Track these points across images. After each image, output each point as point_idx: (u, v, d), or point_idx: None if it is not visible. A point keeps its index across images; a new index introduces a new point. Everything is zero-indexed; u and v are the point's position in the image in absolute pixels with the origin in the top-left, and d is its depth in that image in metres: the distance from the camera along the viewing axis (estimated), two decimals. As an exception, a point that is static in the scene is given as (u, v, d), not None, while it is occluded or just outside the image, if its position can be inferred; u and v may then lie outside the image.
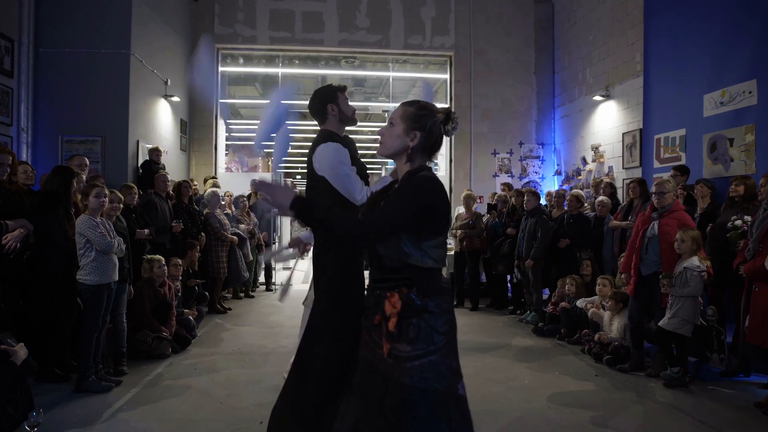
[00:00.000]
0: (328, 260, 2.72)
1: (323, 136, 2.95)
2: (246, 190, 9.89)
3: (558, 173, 10.95)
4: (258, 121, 3.11)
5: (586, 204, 7.63)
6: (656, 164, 7.58)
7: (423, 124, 2.01)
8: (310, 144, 3.00)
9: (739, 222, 4.81)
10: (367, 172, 3.11)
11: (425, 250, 1.96)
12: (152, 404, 4.10)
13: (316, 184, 2.88)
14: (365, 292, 2.09)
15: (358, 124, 3.19)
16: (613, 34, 8.97)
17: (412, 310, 1.91)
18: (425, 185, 1.96)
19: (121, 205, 4.92)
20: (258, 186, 1.91)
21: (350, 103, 3.10)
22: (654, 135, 7.66)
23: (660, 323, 4.66)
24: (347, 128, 3.14)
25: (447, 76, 11.30)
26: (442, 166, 11.96)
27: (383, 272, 2.00)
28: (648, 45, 7.89)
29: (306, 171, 3.06)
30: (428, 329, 1.91)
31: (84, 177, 5.46)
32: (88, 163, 5.91)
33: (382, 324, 1.93)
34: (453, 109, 2.09)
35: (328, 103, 3.01)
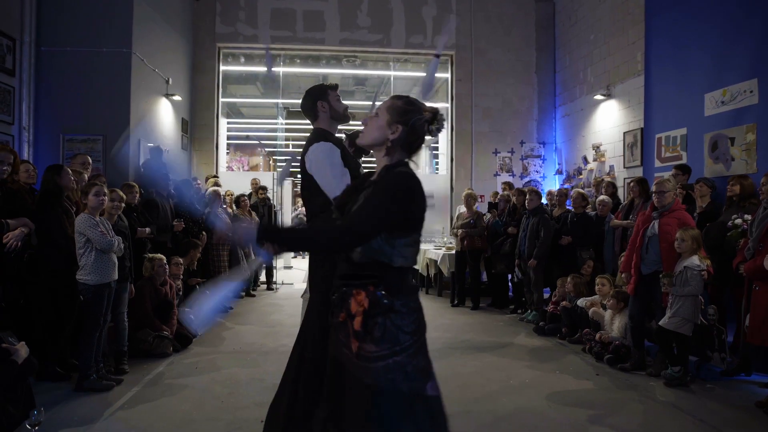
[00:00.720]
0: (324, 259, 2.72)
1: (316, 135, 2.93)
2: (247, 189, 9.90)
3: (559, 172, 10.95)
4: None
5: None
6: (657, 163, 7.57)
7: (407, 119, 1.97)
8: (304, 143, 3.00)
9: (739, 221, 4.81)
10: (362, 171, 3.10)
11: (397, 248, 1.92)
12: (153, 403, 4.11)
13: (309, 183, 2.85)
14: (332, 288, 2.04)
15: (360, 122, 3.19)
16: (614, 33, 8.96)
17: (379, 309, 1.87)
18: (404, 182, 1.92)
19: (123, 204, 4.92)
20: (221, 236, 1.98)
21: (343, 102, 3.10)
22: (655, 134, 7.65)
23: (660, 322, 4.66)
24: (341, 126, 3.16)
25: (448, 75, 11.29)
26: (443, 165, 11.97)
27: (351, 268, 1.95)
28: (649, 44, 7.88)
29: (300, 170, 3.04)
30: (394, 329, 1.86)
31: (86, 176, 5.46)
32: (90, 161, 5.91)
33: (348, 322, 1.89)
34: (441, 112, 2.05)
35: (319, 101, 3.01)
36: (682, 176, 6.19)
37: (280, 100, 11.37)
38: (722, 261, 4.88)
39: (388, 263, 1.91)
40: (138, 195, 6.04)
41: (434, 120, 2.00)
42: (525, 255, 7.11)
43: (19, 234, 4.23)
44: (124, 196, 5.00)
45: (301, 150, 2.96)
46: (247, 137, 14.36)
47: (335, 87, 3.12)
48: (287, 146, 14.71)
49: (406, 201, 1.90)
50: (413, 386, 1.87)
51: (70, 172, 4.85)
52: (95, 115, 7.34)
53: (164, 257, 5.71)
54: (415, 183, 1.93)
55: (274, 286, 9.68)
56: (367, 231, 1.86)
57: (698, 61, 6.86)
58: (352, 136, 3.61)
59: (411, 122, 1.97)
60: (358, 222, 1.88)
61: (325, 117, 3.01)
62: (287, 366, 2.73)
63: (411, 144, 2.02)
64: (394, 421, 1.82)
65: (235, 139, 13.12)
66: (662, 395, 4.39)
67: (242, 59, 11.20)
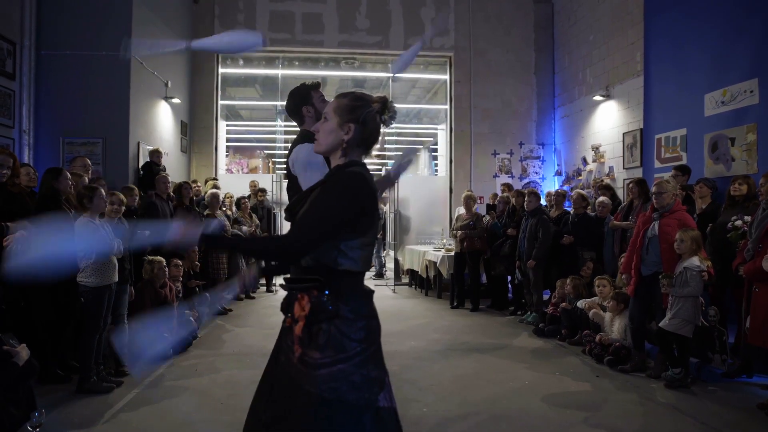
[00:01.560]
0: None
1: (301, 137, 2.93)
2: (247, 191, 9.90)
3: (558, 173, 10.95)
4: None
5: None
6: (657, 164, 7.58)
7: (357, 116, 1.89)
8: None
9: (739, 222, 4.81)
10: None
11: (343, 251, 1.82)
12: (153, 405, 4.11)
13: (293, 184, 2.85)
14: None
15: None
16: (613, 33, 8.97)
17: (323, 315, 1.79)
18: (353, 183, 1.82)
19: (123, 207, 4.92)
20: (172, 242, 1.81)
21: (328, 99, 3.10)
22: (654, 135, 7.66)
23: (661, 324, 4.66)
24: None
25: (447, 76, 11.29)
26: (442, 166, 11.97)
27: (297, 271, 1.89)
28: (648, 44, 7.89)
29: (286, 171, 3.03)
30: (339, 335, 1.77)
31: (86, 179, 5.46)
32: (90, 164, 5.92)
33: (292, 327, 1.83)
34: (390, 98, 1.97)
35: (303, 107, 2.99)
36: (681, 177, 6.19)
37: (279, 103, 11.37)
38: (723, 262, 4.88)
39: (333, 267, 1.82)
40: (138, 198, 6.04)
41: (385, 109, 1.92)
42: (524, 256, 7.11)
43: (19, 237, 4.23)
44: (125, 199, 5.00)
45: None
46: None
47: (317, 86, 3.09)
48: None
49: (353, 201, 1.80)
50: (361, 396, 1.76)
51: (69, 175, 4.85)
52: (95, 118, 7.35)
53: (164, 260, 5.71)
54: (362, 182, 1.83)
55: (273, 288, 9.67)
56: (315, 238, 1.77)
57: (698, 61, 6.87)
58: None
59: (361, 118, 1.89)
60: (306, 229, 1.79)
61: (310, 120, 2.99)
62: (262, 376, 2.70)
63: (366, 140, 1.94)
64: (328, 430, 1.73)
65: (234, 142, 13.11)
66: (663, 397, 4.39)
67: (241, 62, 11.22)
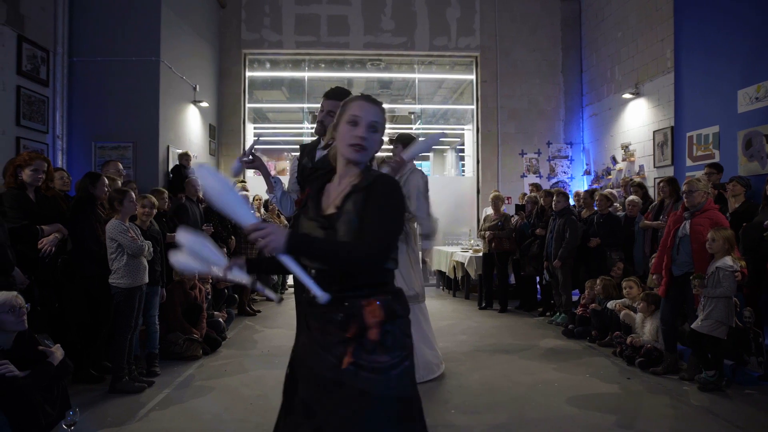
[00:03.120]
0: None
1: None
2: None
3: (587, 173, 10.80)
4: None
5: (616, 204, 7.51)
6: (689, 162, 7.42)
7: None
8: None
9: (774, 221, 4.68)
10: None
11: (393, 252, 1.87)
12: (183, 404, 4.17)
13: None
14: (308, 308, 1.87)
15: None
16: (642, 30, 8.82)
17: (391, 317, 1.79)
18: (399, 188, 1.85)
19: (155, 210, 5.02)
20: (249, 233, 1.67)
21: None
22: (686, 132, 7.50)
23: (693, 325, 4.55)
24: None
25: (473, 77, 11.23)
26: (469, 167, 11.90)
27: (352, 279, 1.79)
28: (678, 40, 7.73)
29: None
30: (401, 334, 1.81)
31: (119, 183, 5.57)
32: (122, 168, 6.05)
33: (355, 337, 1.75)
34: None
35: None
36: (716, 175, 6.03)
37: (305, 105, 11.45)
38: (759, 262, 4.76)
39: (387, 268, 1.86)
40: (168, 200, 6.14)
41: None
42: (552, 257, 7.03)
43: (53, 239, 4.34)
44: (156, 202, 5.09)
45: None
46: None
47: (327, 95, 3.29)
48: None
49: (404, 206, 1.88)
50: (416, 389, 1.84)
51: (107, 181, 4.94)
52: (125, 122, 7.50)
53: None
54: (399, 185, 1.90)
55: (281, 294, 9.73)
56: (387, 246, 1.78)
57: (730, 56, 6.70)
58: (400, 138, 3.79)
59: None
60: (380, 239, 1.76)
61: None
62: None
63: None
64: (407, 427, 1.76)
65: (261, 144, 13.24)
66: (696, 400, 4.28)
67: (268, 65, 11.33)
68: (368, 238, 1.74)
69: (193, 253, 1.82)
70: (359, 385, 1.72)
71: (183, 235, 1.83)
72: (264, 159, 3.40)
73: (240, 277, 1.87)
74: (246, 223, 1.69)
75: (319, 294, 1.70)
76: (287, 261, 1.68)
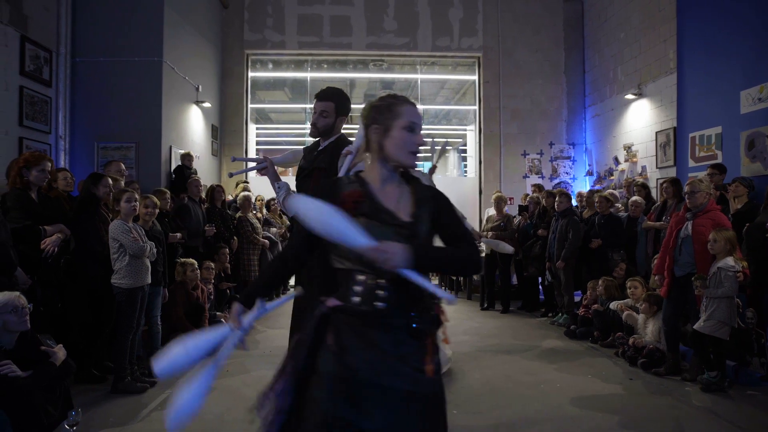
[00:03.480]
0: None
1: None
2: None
3: (590, 174, 10.79)
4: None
5: (618, 204, 7.50)
6: (691, 163, 7.41)
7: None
8: None
9: (776, 222, 4.67)
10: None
11: None
12: (186, 405, 4.17)
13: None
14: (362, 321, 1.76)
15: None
16: (644, 31, 8.80)
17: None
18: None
19: (157, 210, 5.02)
20: (369, 255, 1.61)
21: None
22: (689, 133, 7.49)
23: (695, 326, 4.54)
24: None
25: (475, 77, 11.23)
26: (471, 167, 11.90)
27: (403, 284, 1.70)
28: (681, 41, 7.72)
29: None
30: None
31: (122, 183, 5.58)
32: (125, 169, 6.05)
33: (428, 343, 1.77)
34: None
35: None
36: (719, 176, 6.02)
37: (308, 105, 11.45)
38: (761, 263, 4.74)
39: None
40: (170, 201, 6.15)
41: None
42: (554, 257, 7.03)
43: (56, 240, 4.35)
44: (159, 203, 5.10)
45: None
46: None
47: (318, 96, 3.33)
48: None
49: None
50: None
51: (110, 182, 4.94)
52: (128, 122, 7.51)
53: (196, 262, 5.80)
54: None
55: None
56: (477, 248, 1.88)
57: (733, 57, 6.69)
58: None
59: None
60: (471, 242, 1.85)
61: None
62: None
63: None
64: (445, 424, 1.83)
65: (264, 145, 13.25)
66: (698, 401, 4.28)
67: (270, 65, 11.34)
68: (467, 242, 1.83)
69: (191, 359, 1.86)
70: (435, 388, 1.77)
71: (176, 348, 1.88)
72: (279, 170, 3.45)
73: (252, 317, 1.91)
74: (359, 245, 1.62)
75: (449, 297, 1.70)
76: (407, 273, 1.64)
